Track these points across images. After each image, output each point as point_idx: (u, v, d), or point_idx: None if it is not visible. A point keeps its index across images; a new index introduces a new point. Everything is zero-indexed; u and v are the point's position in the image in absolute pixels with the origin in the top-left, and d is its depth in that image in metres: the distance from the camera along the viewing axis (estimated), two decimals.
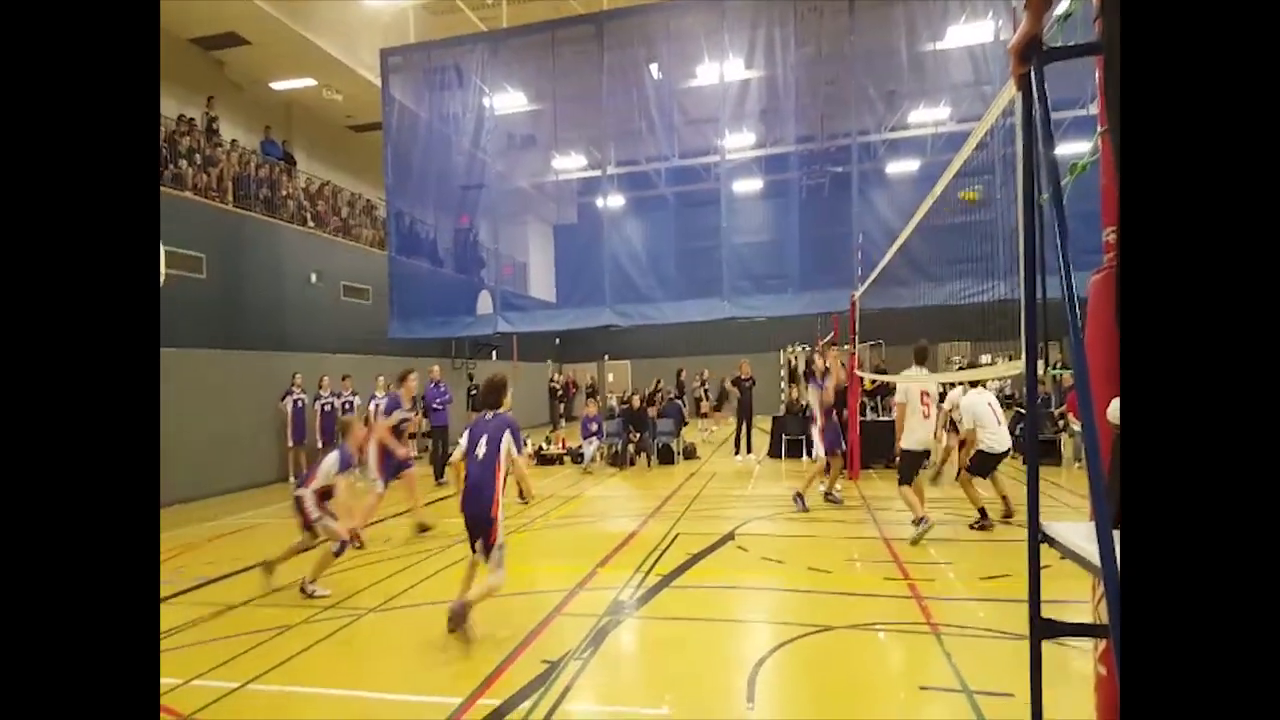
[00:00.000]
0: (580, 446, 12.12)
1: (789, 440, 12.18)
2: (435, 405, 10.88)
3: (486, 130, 13.02)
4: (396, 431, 7.12)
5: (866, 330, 11.51)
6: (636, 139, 12.67)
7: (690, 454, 12.80)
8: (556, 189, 15.04)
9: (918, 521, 6.19)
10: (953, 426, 8.57)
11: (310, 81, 14.14)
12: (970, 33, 10.39)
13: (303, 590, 5.16)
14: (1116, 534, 1.31)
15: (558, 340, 23.44)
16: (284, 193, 13.40)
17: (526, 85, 13.05)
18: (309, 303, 12.84)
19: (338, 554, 5.31)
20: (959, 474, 7.31)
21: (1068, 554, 1.54)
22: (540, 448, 13.09)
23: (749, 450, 12.40)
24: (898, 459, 6.61)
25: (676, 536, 6.69)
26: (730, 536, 6.67)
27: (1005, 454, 6.81)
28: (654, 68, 12.14)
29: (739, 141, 12.46)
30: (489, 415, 4.43)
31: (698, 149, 12.95)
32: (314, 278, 13.06)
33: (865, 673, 3.67)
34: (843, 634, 4.13)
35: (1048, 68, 1.66)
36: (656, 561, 5.80)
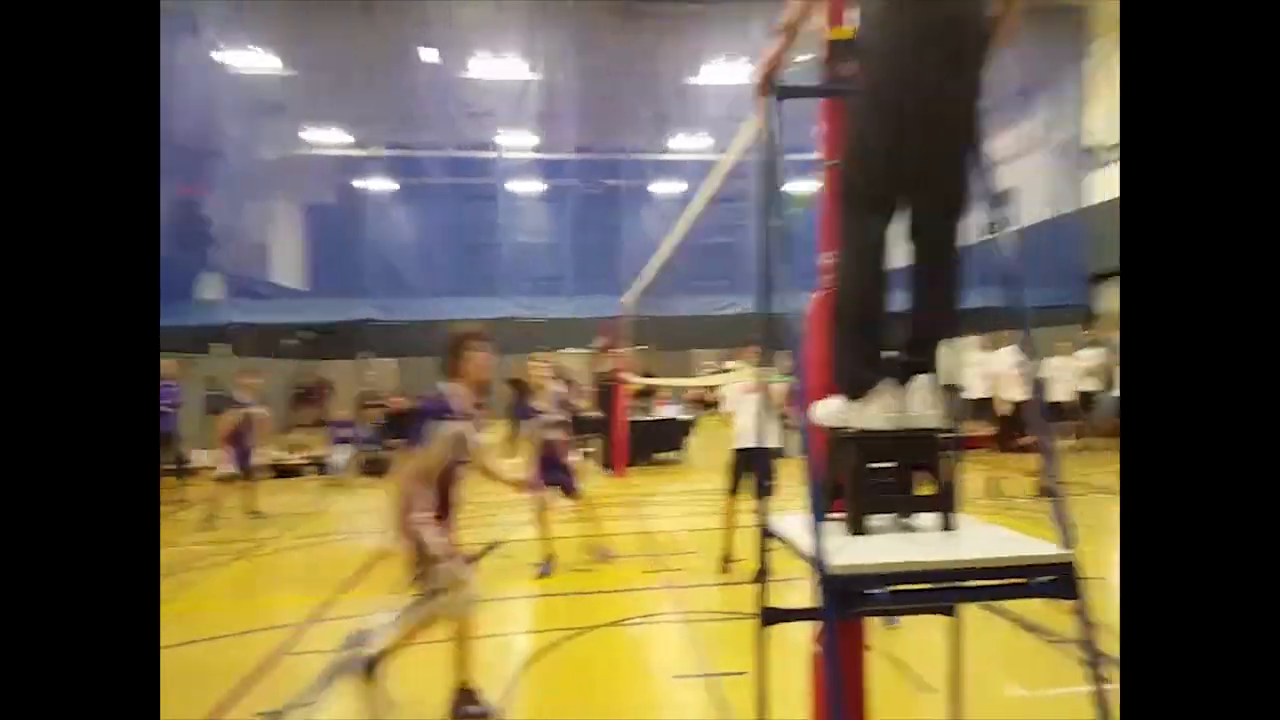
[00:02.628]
0: (328, 455, 10.91)
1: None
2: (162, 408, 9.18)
3: (221, 90, 11.15)
4: None
5: (635, 335, 12.05)
6: (408, 123, 11.88)
7: None
8: (311, 165, 13.46)
9: None
10: None
11: None
12: (727, 72, 11.41)
13: None
14: (827, 525, 1.47)
15: (307, 334, 20.93)
16: None
17: (276, 47, 11.45)
18: None
19: None
20: None
21: (787, 545, 1.66)
22: (281, 459, 11.52)
23: None
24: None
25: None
26: (496, 545, 6.45)
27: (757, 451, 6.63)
28: (429, 52, 11.46)
29: (518, 141, 12.32)
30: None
31: (476, 143, 12.52)
32: None
33: (621, 670, 3.75)
34: (601, 633, 4.18)
35: (791, 116, 1.80)
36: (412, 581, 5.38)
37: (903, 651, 3.57)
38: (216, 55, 10.96)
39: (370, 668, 3.25)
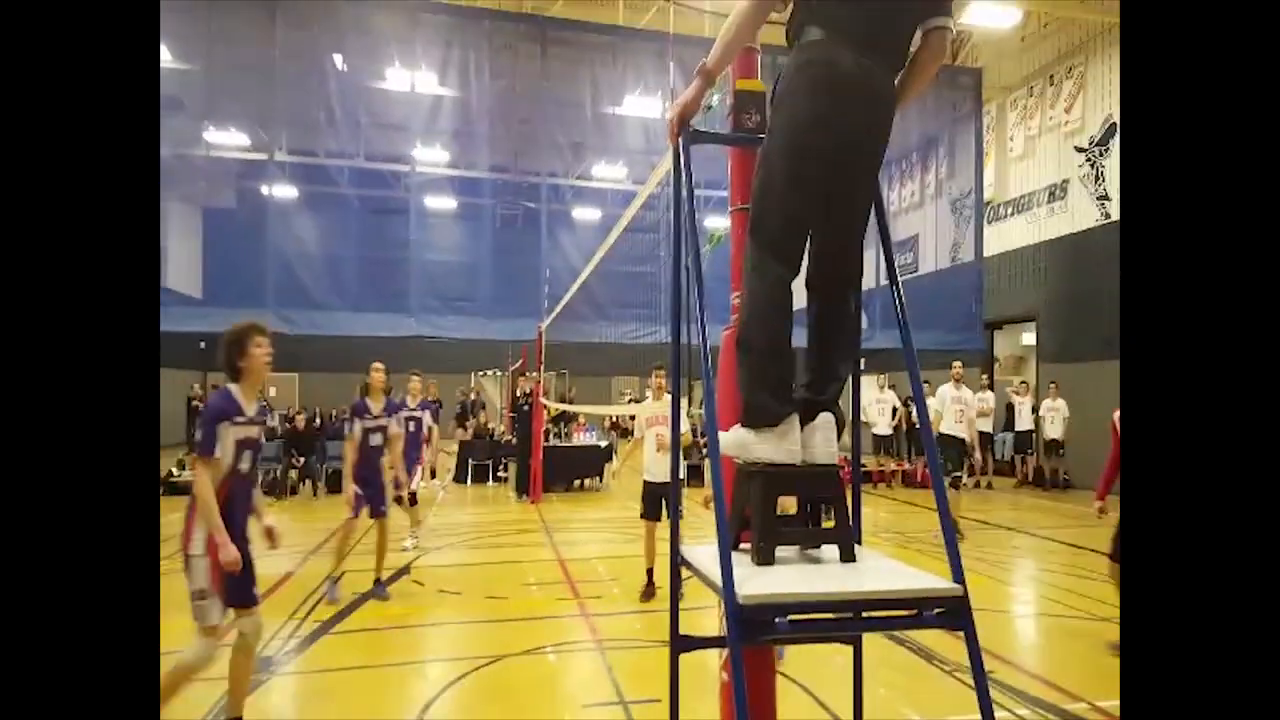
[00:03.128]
0: None
1: (475, 465, 12.03)
2: None
3: None
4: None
5: (552, 360, 12.01)
6: (315, 129, 11.39)
7: None
8: (209, 166, 12.66)
9: None
10: None
11: None
12: (643, 105, 11.64)
13: None
14: (735, 555, 1.51)
15: (201, 344, 19.50)
16: None
17: (171, 38, 10.76)
18: None
19: None
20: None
21: (697, 575, 1.70)
22: (171, 473, 10.68)
23: (432, 476, 11.89)
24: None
25: (343, 574, 6.01)
26: (406, 570, 6.27)
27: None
28: (338, 58, 11.10)
29: (432, 156, 12.07)
30: None
31: (387, 155, 12.17)
32: None
33: (534, 699, 3.73)
34: (516, 661, 4.15)
35: (711, 152, 1.90)
36: (316, 605, 5.18)
37: (813, 679, 3.74)
38: None
39: None
